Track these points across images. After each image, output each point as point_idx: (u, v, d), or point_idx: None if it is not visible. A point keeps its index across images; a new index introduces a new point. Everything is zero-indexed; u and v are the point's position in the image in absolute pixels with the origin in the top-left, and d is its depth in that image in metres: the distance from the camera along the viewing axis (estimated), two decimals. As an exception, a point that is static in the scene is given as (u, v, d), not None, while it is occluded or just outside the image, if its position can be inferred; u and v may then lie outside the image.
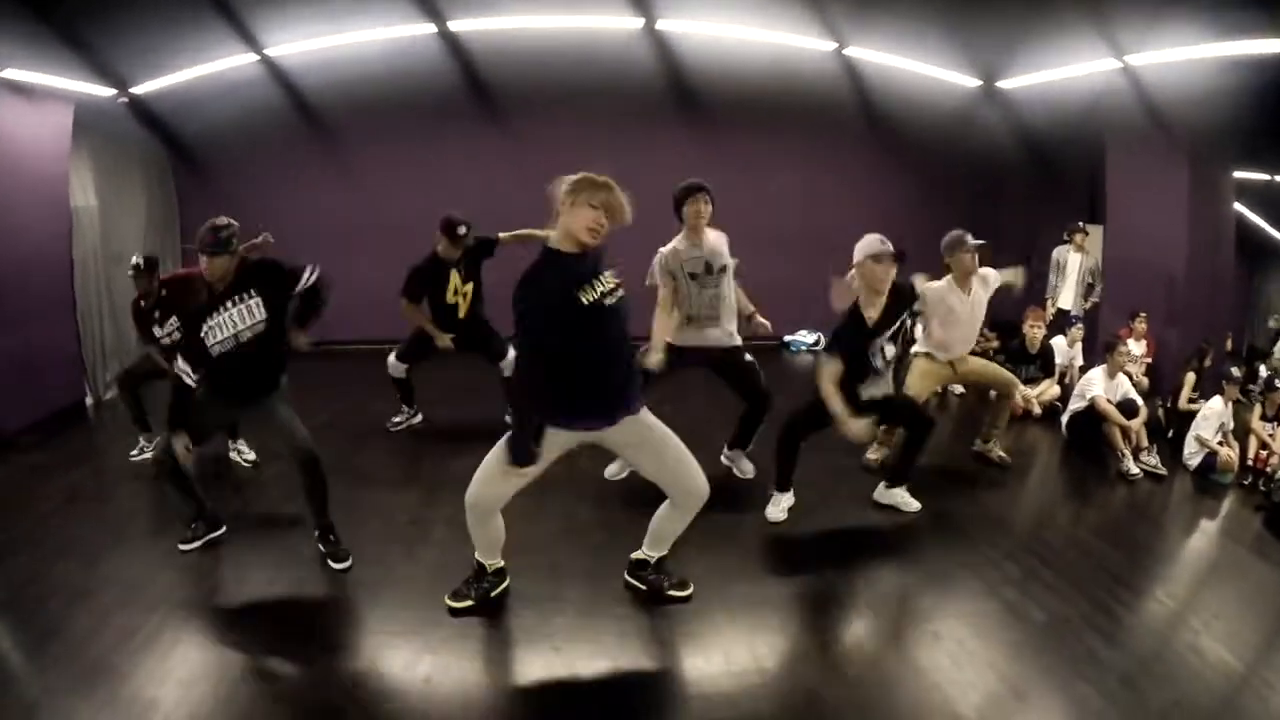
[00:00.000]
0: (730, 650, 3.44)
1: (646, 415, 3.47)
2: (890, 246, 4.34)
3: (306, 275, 4.13)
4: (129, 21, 6.63)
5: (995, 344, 9.16)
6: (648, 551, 3.84)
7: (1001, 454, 6.00)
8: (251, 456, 5.64)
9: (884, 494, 5.00)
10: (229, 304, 3.93)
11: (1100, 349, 6.72)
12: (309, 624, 3.66)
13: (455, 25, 7.78)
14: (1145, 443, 6.17)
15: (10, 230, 6.27)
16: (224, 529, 4.42)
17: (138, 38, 6.91)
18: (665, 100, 9.09)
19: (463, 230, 5.78)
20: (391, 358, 6.24)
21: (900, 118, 9.40)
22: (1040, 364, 7.48)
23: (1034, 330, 7.41)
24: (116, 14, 6.44)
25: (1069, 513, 5.44)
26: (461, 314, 6.02)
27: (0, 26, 5.76)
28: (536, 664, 3.36)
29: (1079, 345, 8.00)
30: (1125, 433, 6.03)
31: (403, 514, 4.76)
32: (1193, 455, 6.17)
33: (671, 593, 3.82)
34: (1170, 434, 6.71)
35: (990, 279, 5.60)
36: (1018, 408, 6.73)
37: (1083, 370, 6.97)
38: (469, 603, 3.70)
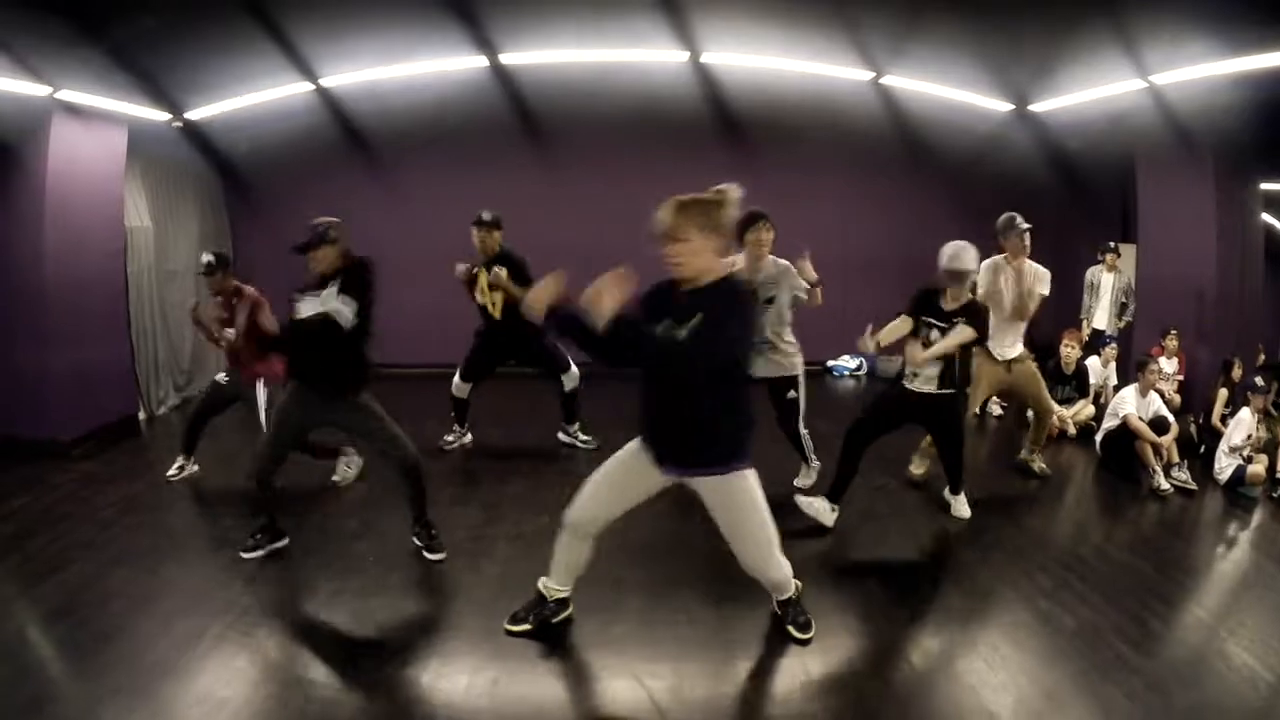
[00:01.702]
0: (776, 654, 3.68)
1: (734, 483, 3.25)
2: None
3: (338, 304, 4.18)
4: (185, 48, 6.85)
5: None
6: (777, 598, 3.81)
7: (1043, 465, 6.31)
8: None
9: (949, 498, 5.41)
10: (317, 291, 4.19)
11: (1133, 368, 6.90)
12: (374, 632, 3.81)
13: (506, 58, 8.01)
14: (1176, 459, 6.34)
15: (68, 249, 6.56)
16: (286, 540, 4.63)
17: (193, 64, 7.15)
18: (708, 131, 9.30)
19: (487, 216, 6.05)
20: (456, 378, 6.47)
21: (935, 143, 9.58)
22: (1076, 384, 7.69)
23: (1069, 350, 7.63)
24: (173, 40, 6.63)
25: (1102, 528, 5.61)
26: (496, 314, 6.20)
27: (56, 49, 5.96)
28: (600, 671, 3.52)
29: (1113, 365, 8.15)
30: (1157, 449, 6.20)
31: (463, 530, 4.94)
32: (1223, 469, 6.31)
33: (789, 629, 3.79)
34: (1202, 449, 6.87)
35: (1043, 277, 5.93)
36: (1054, 428, 6.95)
37: (1116, 389, 7.14)
38: (525, 628, 3.72)
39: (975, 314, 4.87)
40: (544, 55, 8.06)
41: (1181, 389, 7.98)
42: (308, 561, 4.52)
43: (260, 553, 4.50)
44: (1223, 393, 7.23)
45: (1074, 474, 6.70)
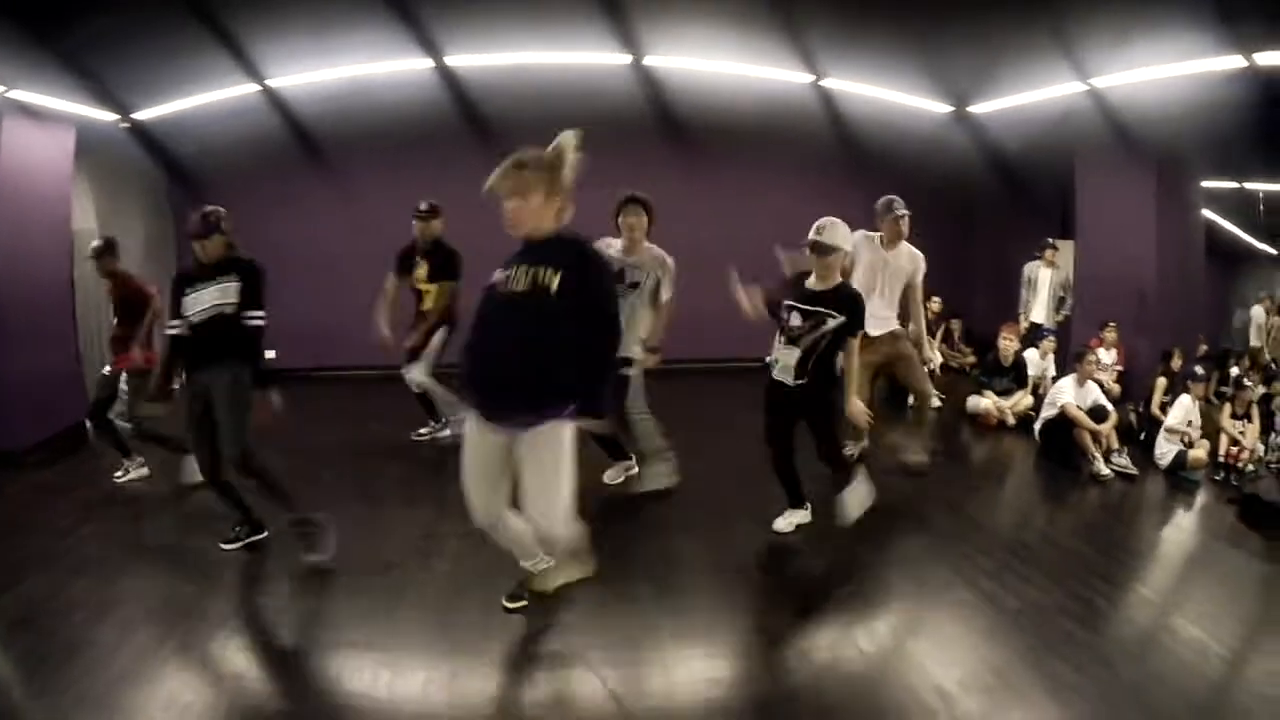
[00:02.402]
0: (730, 642, 3.66)
1: (548, 435, 3.17)
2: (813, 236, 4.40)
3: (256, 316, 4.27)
4: (133, 49, 6.86)
5: (971, 359, 9.48)
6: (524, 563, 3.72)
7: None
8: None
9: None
10: (211, 282, 4.20)
11: (1072, 359, 7.02)
12: (332, 631, 3.75)
13: (452, 60, 8.08)
14: (1116, 445, 6.44)
15: (16, 251, 6.41)
16: (266, 533, 4.57)
17: (141, 65, 7.15)
18: (654, 132, 9.35)
19: (424, 207, 6.10)
20: (411, 372, 6.29)
21: (876, 144, 9.64)
22: (1014, 376, 7.80)
23: (1007, 343, 7.78)
24: (121, 42, 6.66)
25: (1044, 513, 5.74)
26: (425, 305, 6.21)
27: (7, 49, 5.94)
28: (555, 661, 3.48)
29: (1051, 357, 8.30)
30: (1096, 437, 6.30)
31: (416, 529, 4.82)
32: (1164, 455, 6.44)
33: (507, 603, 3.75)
34: (1143, 437, 6.99)
35: (919, 260, 5.72)
36: (992, 418, 7.04)
37: (1055, 380, 7.25)
38: (523, 603, 3.74)
39: (850, 301, 4.42)
40: (489, 57, 8.17)
41: (1121, 379, 8.11)
42: (265, 565, 4.44)
43: (238, 545, 4.50)
44: (1161, 381, 7.35)
45: (1014, 463, 6.79)
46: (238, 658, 3.53)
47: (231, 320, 4.20)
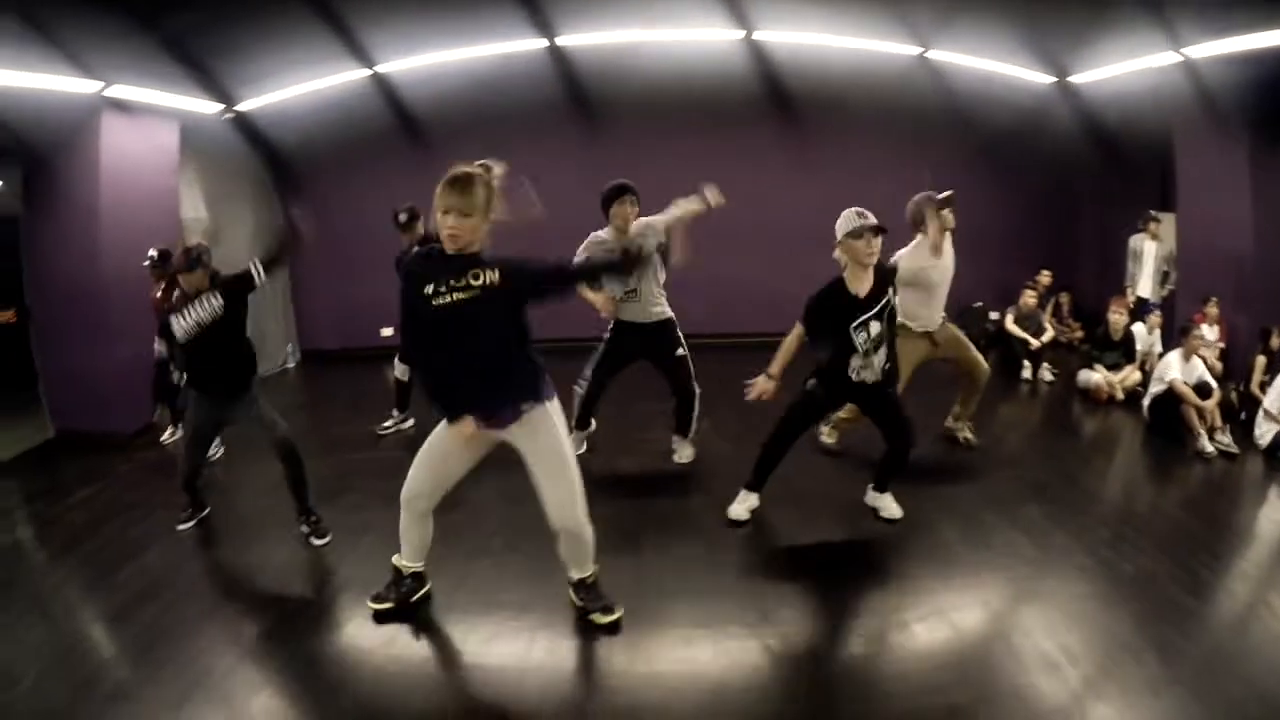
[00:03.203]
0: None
1: (540, 422, 3.43)
2: (871, 219, 4.32)
3: (255, 270, 4.56)
4: (237, 37, 7.00)
5: (1079, 333, 9.54)
6: (572, 573, 3.78)
7: (969, 435, 6.31)
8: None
9: (872, 497, 5.02)
10: (196, 304, 4.50)
11: (1177, 334, 7.13)
12: (482, 593, 4.06)
13: (564, 40, 8.20)
14: (1219, 423, 6.54)
15: (124, 245, 6.61)
16: (207, 510, 5.07)
17: (245, 53, 7.32)
18: (762, 109, 9.46)
19: (402, 218, 6.05)
20: (396, 360, 6.51)
21: (980, 116, 9.76)
22: (1123, 350, 7.92)
23: (1118, 317, 7.89)
24: (224, 30, 6.78)
25: (1153, 487, 6.01)
26: None
27: (107, 43, 6.09)
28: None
29: (1158, 331, 8.37)
30: (1201, 413, 6.43)
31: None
32: (1263, 435, 6.49)
33: (595, 619, 3.73)
34: (1243, 416, 7.09)
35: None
36: (1104, 393, 7.24)
37: (1161, 355, 7.36)
38: (388, 606, 3.82)
39: (892, 273, 4.66)
40: (597, 36, 8.29)
41: (1223, 356, 8.16)
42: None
43: (191, 524, 4.96)
44: (1261, 360, 7.39)
45: (1123, 437, 6.99)
46: (373, 627, 3.79)
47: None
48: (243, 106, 8.21)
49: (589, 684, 3.45)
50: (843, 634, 3.80)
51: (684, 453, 5.84)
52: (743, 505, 4.88)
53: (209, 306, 4.49)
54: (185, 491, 4.96)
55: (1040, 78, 9.46)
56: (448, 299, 3.16)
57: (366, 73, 8.28)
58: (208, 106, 7.80)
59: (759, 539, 4.76)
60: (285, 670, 3.48)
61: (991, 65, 9.22)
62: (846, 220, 4.38)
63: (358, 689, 3.37)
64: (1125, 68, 8.48)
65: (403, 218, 6.04)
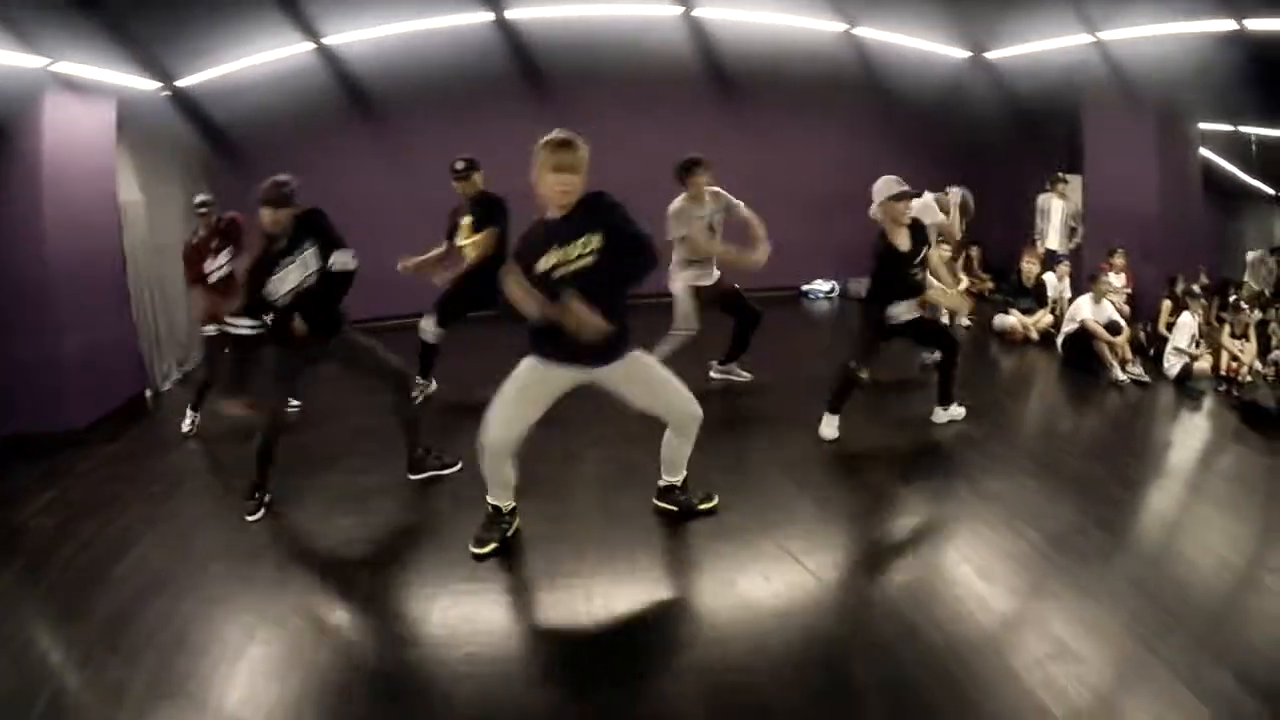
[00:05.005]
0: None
1: (634, 355, 3.75)
2: (907, 186, 5.11)
3: (345, 256, 4.37)
4: (177, 12, 6.73)
5: (990, 285, 10.25)
6: (668, 478, 4.23)
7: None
8: None
9: (941, 415, 5.68)
10: (292, 256, 4.29)
11: (1085, 281, 7.81)
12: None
13: (511, 13, 8.34)
14: (1130, 356, 7.27)
15: (64, 227, 6.26)
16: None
17: (187, 29, 7.02)
18: (700, 82, 9.86)
19: (459, 165, 6.03)
20: (426, 322, 6.32)
21: (901, 89, 10.35)
22: (1035, 296, 8.68)
23: (1030, 266, 8.73)
24: (166, 6, 6.54)
25: (1074, 410, 6.64)
26: (472, 256, 6.06)
27: (51, 20, 5.77)
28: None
29: (1067, 279, 9.00)
30: (1113, 348, 7.12)
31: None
32: (1172, 367, 7.20)
33: (701, 506, 4.24)
34: (1151, 352, 7.78)
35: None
36: (1018, 334, 7.90)
37: (1071, 301, 8.00)
38: (493, 546, 3.95)
39: (924, 228, 5.45)
40: (542, 9, 8.46)
41: (1130, 301, 8.81)
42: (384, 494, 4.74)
43: (260, 514, 4.51)
44: (1166, 303, 8.09)
45: (1041, 372, 7.65)
46: (390, 592, 3.78)
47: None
48: (183, 83, 7.92)
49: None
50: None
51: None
52: (830, 426, 5.43)
53: (308, 267, 4.31)
54: (259, 466, 4.53)
55: (958, 53, 10.10)
56: (567, 269, 3.45)
57: (311, 46, 8.21)
58: (145, 83, 7.50)
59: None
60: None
61: (913, 42, 9.82)
62: (887, 185, 5.10)
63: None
64: (1039, 46, 9.17)
65: (460, 165, 6.05)
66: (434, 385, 6.56)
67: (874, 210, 5.16)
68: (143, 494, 4.95)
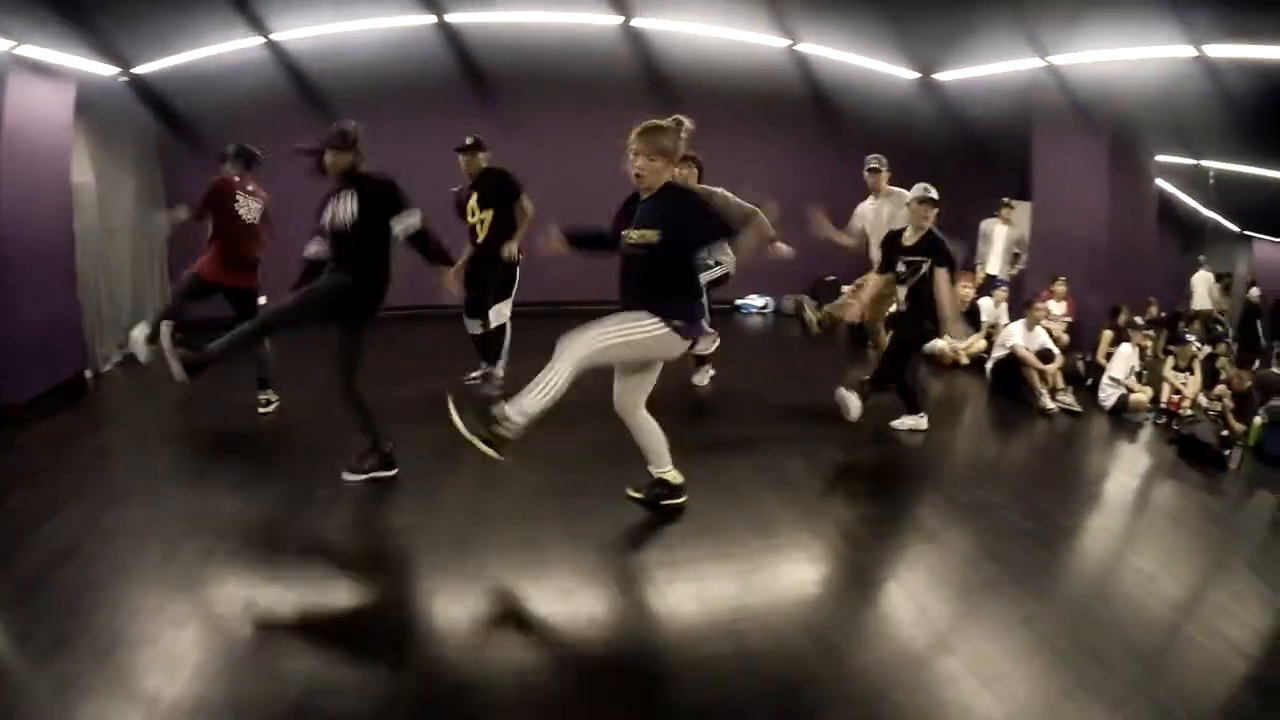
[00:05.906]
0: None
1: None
2: (934, 192, 5.66)
3: (410, 217, 4.26)
4: (139, 4, 6.91)
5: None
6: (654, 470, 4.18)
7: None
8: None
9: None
10: (340, 195, 4.33)
11: (1022, 308, 7.50)
12: (366, 551, 3.94)
13: (453, 17, 8.30)
14: (1061, 385, 6.96)
15: (18, 206, 6.20)
16: (396, 470, 4.58)
17: (144, 18, 7.13)
18: (641, 90, 9.60)
19: (468, 141, 6.13)
20: (467, 320, 6.37)
21: (847, 107, 10.11)
22: (968, 320, 8.25)
23: (964, 290, 8.26)
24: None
25: (998, 438, 6.33)
26: (479, 238, 6.15)
27: (14, 3, 5.78)
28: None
29: (1004, 305, 8.76)
30: (1043, 376, 6.79)
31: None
32: (1107, 397, 6.89)
33: (665, 503, 4.16)
34: (1089, 382, 7.46)
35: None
36: (948, 358, 7.55)
37: (1006, 326, 7.74)
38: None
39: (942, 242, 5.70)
40: (489, 15, 8.46)
41: (1071, 330, 8.58)
42: (287, 486, 4.63)
43: (363, 477, 4.50)
44: (1108, 334, 7.84)
45: (968, 397, 7.33)
46: (271, 565, 3.73)
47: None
48: (140, 69, 8.02)
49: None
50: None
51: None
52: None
53: (345, 209, 4.29)
54: (369, 433, 4.51)
55: (906, 73, 9.83)
56: (633, 247, 3.71)
57: (259, 40, 8.29)
58: (104, 68, 7.55)
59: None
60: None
61: (860, 60, 9.57)
62: (921, 190, 5.72)
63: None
64: (990, 69, 8.94)
65: (467, 141, 6.16)
66: (500, 369, 6.47)
67: (907, 198, 5.87)
68: (74, 465, 4.93)
